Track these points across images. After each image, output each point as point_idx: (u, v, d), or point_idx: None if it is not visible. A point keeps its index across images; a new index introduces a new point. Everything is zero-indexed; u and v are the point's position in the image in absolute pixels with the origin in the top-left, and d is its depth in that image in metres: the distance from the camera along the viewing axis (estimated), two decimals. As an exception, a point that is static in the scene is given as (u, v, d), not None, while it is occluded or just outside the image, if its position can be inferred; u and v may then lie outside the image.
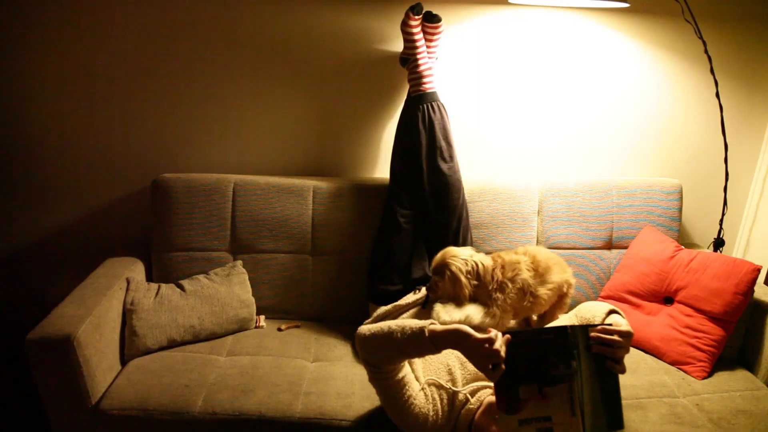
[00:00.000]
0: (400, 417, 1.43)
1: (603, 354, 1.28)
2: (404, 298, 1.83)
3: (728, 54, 2.18)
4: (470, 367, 1.53)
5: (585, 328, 1.31)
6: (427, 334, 1.29)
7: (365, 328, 1.44)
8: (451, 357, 1.55)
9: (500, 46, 2.15)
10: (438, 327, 1.31)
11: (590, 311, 1.46)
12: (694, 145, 2.31)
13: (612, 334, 1.28)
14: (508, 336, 1.24)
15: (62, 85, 2.11)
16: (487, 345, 1.20)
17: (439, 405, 1.45)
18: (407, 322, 1.36)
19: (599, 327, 1.30)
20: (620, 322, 1.33)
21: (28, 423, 2.05)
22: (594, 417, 1.27)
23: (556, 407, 1.24)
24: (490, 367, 1.21)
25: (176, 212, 2.03)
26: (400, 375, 1.41)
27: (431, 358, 1.56)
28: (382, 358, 1.39)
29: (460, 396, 1.48)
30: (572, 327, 1.29)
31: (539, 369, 1.26)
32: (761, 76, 2.23)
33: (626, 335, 1.28)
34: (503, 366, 1.21)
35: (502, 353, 1.20)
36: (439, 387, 1.48)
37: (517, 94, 2.22)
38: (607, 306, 1.43)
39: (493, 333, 1.22)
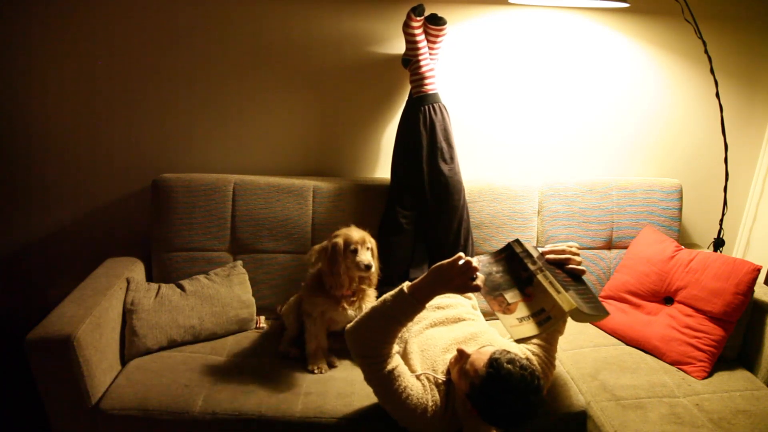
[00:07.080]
0: (400, 411, 1.44)
1: (561, 262, 1.49)
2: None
3: (728, 54, 2.18)
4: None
5: (519, 242, 1.51)
6: (406, 291, 1.40)
7: (349, 324, 1.50)
8: (448, 353, 1.57)
9: (500, 46, 2.15)
10: (415, 282, 1.41)
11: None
12: (694, 145, 2.31)
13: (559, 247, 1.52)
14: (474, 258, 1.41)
15: (62, 85, 2.11)
16: (460, 262, 1.35)
17: (438, 396, 1.47)
18: (385, 295, 1.46)
19: (547, 247, 1.53)
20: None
21: (28, 423, 2.05)
22: (581, 298, 1.37)
23: (543, 298, 1.37)
24: (472, 282, 1.36)
25: (176, 212, 2.03)
26: (392, 365, 1.44)
27: (429, 351, 1.58)
28: (374, 339, 1.43)
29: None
30: (513, 241, 1.52)
31: (513, 277, 1.45)
32: (761, 76, 2.23)
33: (572, 246, 1.52)
34: (481, 276, 1.39)
35: (474, 264, 1.35)
36: (435, 381, 1.49)
37: (517, 94, 2.21)
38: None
39: (460, 254, 1.38)
